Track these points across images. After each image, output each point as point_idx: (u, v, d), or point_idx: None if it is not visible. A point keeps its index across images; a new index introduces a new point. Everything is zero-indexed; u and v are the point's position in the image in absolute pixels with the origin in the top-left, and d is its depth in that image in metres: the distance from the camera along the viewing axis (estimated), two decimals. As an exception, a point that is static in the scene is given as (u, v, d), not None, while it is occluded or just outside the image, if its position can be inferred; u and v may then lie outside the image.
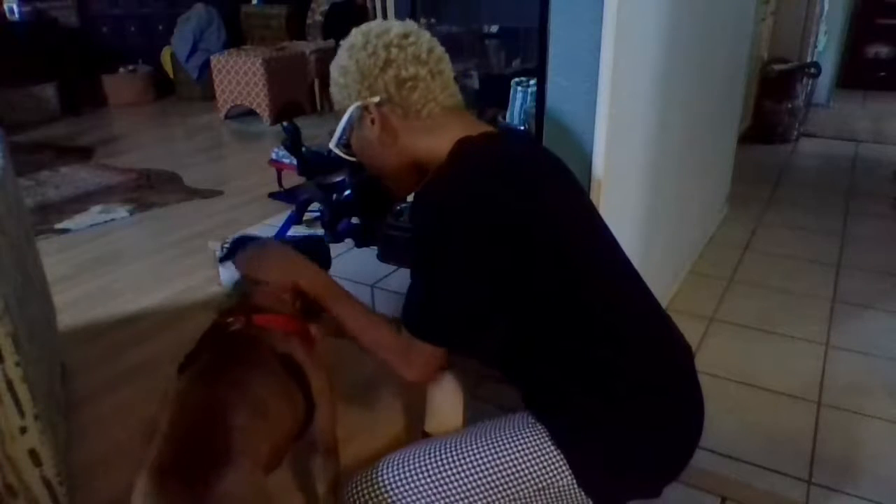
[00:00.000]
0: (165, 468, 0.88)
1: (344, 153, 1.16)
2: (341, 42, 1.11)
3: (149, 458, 0.89)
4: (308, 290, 1.18)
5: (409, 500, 1.01)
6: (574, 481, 0.98)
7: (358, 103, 1.07)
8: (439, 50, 1.10)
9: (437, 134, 1.07)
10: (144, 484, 0.86)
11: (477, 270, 0.99)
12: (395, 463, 1.05)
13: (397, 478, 1.03)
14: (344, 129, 1.12)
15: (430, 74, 1.06)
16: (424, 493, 1.01)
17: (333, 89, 1.13)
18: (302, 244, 1.31)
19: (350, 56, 1.07)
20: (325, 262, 1.35)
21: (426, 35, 1.10)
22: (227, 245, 1.36)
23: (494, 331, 1.06)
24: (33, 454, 1.27)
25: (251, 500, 0.90)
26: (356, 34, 1.09)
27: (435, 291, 1.02)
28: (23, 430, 1.25)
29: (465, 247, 0.98)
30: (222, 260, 1.36)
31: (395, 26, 1.08)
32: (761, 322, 2.19)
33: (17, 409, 1.23)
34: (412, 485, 1.01)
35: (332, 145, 1.15)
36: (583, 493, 0.99)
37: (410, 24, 1.09)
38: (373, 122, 1.08)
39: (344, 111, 1.10)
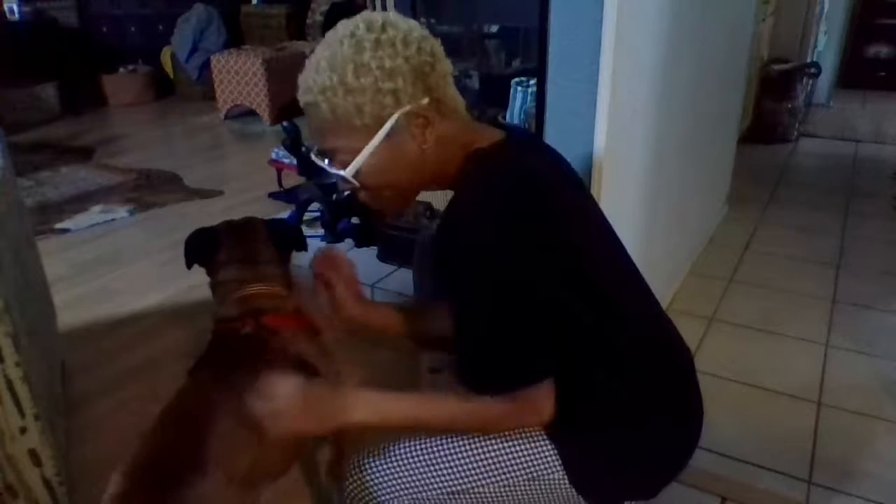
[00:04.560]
0: (137, 473, 0.88)
1: (351, 178, 0.96)
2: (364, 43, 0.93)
3: (126, 460, 0.89)
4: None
5: (402, 481, 1.01)
6: (565, 477, 0.98)
7: (408, 107, 0.92)
8: None
9: (462, 137, 0.99)
10: (114, 485, 0.86)
11: (529, 293, 0.94)
12: (392, 448, 1.04)
13: (392, 461, 1.02)
14: (378, 144, 0.93)
15: (448, 69, 1.00)
16: (417, 474, 1.00)
17: (362, 99, 0.90)
18: (270, 228, 1.21)
19: (395, 55, 0.90)
20: (299, 244, 1.26)
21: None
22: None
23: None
24: (33, 454, 1.27)
25: None
26: (387, 28, 0.93)
27: (502, 325, 0.95)
28: (23, 431, 1.25)
29: (516, 270, 0.92)
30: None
31: (400, 20, 0.97)
32: (761, 322, 2.19)
33: (17, 409, 1.23)
34: (405, 467, 1.01)
35: (348, 174, 0.95)
36: (574, 491, 0.98)
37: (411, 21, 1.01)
38: (418, 127, 0.94)
39: (376, 125, 0.92)
